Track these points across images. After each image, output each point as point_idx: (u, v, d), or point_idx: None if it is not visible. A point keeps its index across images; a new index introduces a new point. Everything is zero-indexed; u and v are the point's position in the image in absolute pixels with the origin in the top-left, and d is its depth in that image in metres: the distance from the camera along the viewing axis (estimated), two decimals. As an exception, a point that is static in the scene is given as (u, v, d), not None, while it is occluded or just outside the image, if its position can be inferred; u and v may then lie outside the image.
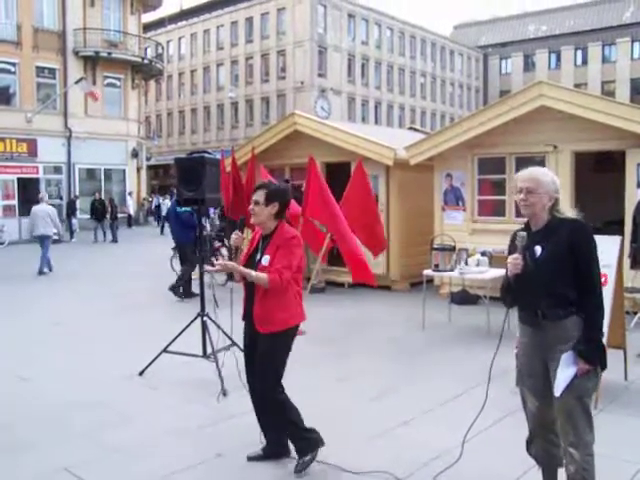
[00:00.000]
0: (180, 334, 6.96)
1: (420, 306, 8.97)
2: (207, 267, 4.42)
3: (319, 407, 5.82)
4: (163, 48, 44.90)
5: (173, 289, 11.59)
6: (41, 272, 15.58)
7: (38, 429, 5.43)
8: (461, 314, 9.67)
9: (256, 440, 4.75)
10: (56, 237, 18.58)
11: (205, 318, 6.95)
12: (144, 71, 36.33)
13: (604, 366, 3.56)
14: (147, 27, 49.33)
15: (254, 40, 55.52)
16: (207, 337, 6.85)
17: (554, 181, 3.58)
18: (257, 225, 4.49)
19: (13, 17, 29.73)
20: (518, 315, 3.85)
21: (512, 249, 3.67)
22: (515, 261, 3.59)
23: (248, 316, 4.47)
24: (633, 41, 61.38)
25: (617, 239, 6.18)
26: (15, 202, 29.23)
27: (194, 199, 6.74)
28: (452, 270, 8.78)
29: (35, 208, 16.12)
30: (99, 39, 32.69)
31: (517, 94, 10.39)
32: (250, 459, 4.68)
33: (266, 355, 4.42)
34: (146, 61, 35.58)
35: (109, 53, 32.73)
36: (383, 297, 11.55)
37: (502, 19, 73.59)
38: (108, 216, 26.87)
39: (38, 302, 11.81)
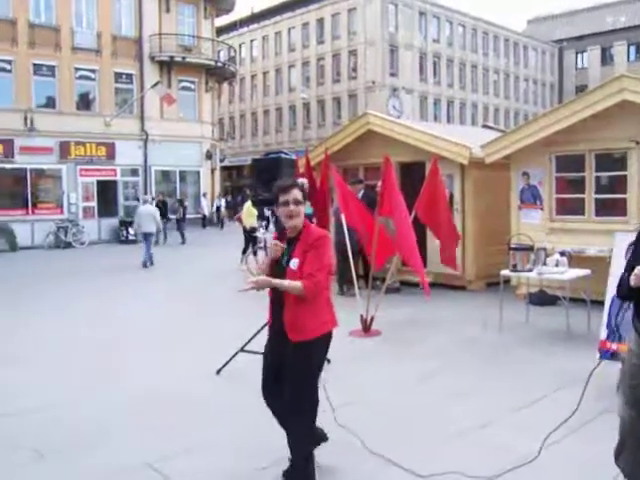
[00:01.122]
0: (258, 333, 7.03)
1: (496, 307, 8.84)
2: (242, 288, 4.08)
3: (396, 406, 5.84)
4: (236, 51, 45.56)
5: None
6: (145, 265, 17.72)
7: (122, 422, 5.59)
8: (539, 315, 9.47)
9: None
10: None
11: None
12: (217, 74, 36.92)
13: None
14: (220, 31, 50.17)
15: (325, 41, 55.74)
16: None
17: None
18: (293, 227, 4.13)
19: (93, 26, 30.66)
20: (632, 318, 3.53)
21: (636, 254, 3.34)
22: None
23: (276, 325, 4.19)
24: None
25: None
26: (94, 204, 30.15)
27: (270, 199, 6.80)
28: (530, 270, 8.61)
29: (140, 208, 18.63)
30: (174, 44, 33.39)
31: (596, 89, 10.10)
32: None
33: (299, 365, 4.12)
34: (219, 64, 36.15)
35: (183, 57, 33.38)
36: (459, 297, 11.42)
37: (578, 11, 71.57)
38: (175, 217, 27.28)
39: (131, 297, 12.15)
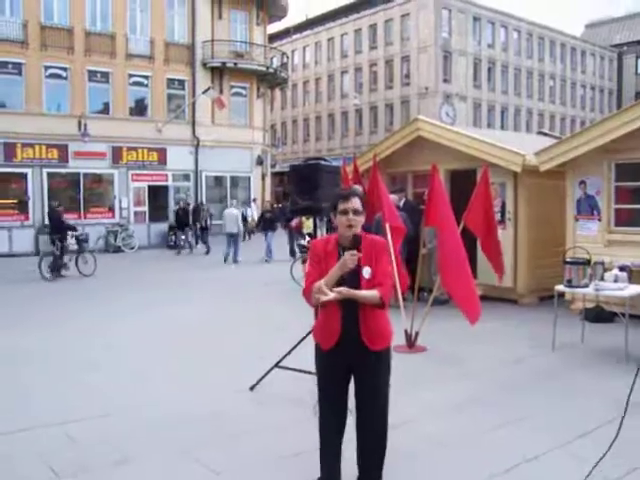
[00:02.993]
0: (294, 348, 6.74)
1: (549, 323, 8.35)
2: (322, 297, 3.85)
3: (435, 434, 5.43)
4: (288, 57, 45.48)
5: None
6: (235, 261, 20.56)
7: (139, 443, 5.32)
8: (596, 334, 8.93)
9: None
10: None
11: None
12: (269, 80, 36.86)
13: None
14: (273, 37, 50.32)
15: (378, 47, 55.44)
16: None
17: None
18: (347, 237, 4.01)
19: (147, 33, 30.91)
20: None
21: None
22: None
23: (347, 337, 4.00)
24: None
25: None
26: (146, 209, 30.33)
27: (309, 208, 6.50)
28: (587, 286, 8.10)
29: (226, 211, 21.86)
30: (226, 50, 33.43)
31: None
32: None
33: (382, 374, 4.12)
34: (271, 70, 36.09)
35: (235, 64, 33.38)
36: (509, 311, 10.93)
37: (637, 15, 69.70)
38: (197, 224, 26.33)
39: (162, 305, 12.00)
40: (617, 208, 10.38)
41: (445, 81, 52.03)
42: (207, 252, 24.54)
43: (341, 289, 3.84)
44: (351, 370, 4.13)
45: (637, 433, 5.25)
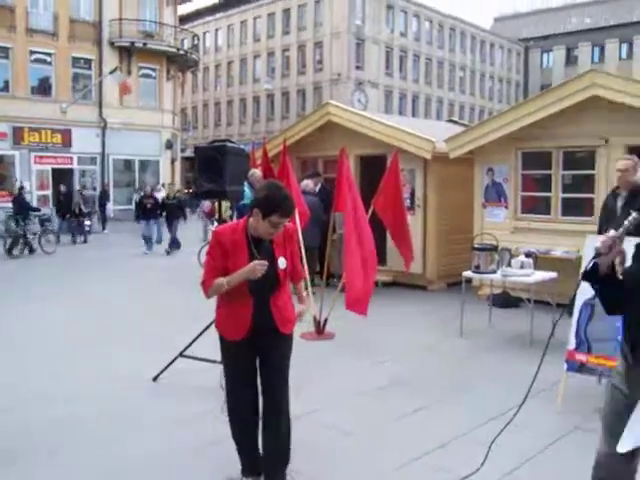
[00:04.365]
0: (198, 337, 6.48)
1: (458, 308, 8.37)
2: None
3: (346, 423, 5.30)
4: (199, 39, 44.70)
5: None
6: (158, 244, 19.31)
7: (33, 440, 4.97)
8: (502, 318, 9.04)
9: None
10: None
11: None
12: (180, 62, 36.09)
13: None
14: (184, 18, 49.31)
15: (291, 32, 55.14)
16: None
17: None
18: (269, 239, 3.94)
19: (50, 8, 29.64)
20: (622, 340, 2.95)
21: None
22: (608, 241, 2.70)
23: (260, 327, 3.92)
24: (682, 34, 59.78)
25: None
26: (49, 192, 29.16)
27: (214, 191, 6.24)
28: (494, 272, 8.16)
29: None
30: (135, 30, 32.51)
31: (567, 83, 9.69)
32: None
33: (287, 358, 4.10)
34: (181, 52, 35.32)
35: (144, 44, 32.52)
36: (418, 298, 10.96)
37: (544, 11, 72.00)
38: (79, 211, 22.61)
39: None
40: (523, 196, 10.53)
41: (358, 68, 52.24)
42: (74, 242, 21.76)
43: (302, 310, 4.20)
44: (259, 355, 4.07)
45: (534, 417, 5.28)
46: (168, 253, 18.51)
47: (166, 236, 19.49)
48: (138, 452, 4.77)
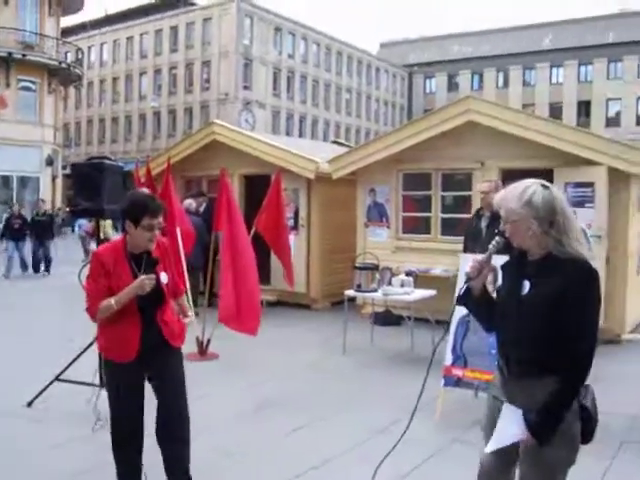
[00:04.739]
0: (75, 359, 6.26)
1: (341, 327, 8.46)
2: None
3: (229, 444, 5.23)
4: (83, 53, 43.52)
5: None
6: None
7: None
8: (384, 336, 9.20)
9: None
10: None
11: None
12: (62, 76, 35.01)
13: (587, 438, 2.83)
14: (67, 31, 47.91)
15: (179, 49, 54.65)
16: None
17: (530, 202, 2.73)
18: (150, 248, 3.89)
19: None
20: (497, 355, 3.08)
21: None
22: (477, 265, 2.90)
23: (150, 345, 3.86)
24: (552, 67, 63.37)
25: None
26: None
27: (91, 210, 6.05)
28: (375, 290, 8.31)
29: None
30: (13, 39, 31.28)
31: (445, 108, 10.09)
32: None
33: (181, 371, 4.10)
34: (64, 65, 34.27)
35: (24, 55, 31.33)
36: (303, 317, 11.01)
37: (428, 39, 74.63)
38: None
39: None
40: (404, 216, 10.81)
41: (245, 88, 52.30)
42: None
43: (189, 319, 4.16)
44: (150, 378, 4.02)
45: (414, 432, 5.38)
46: (45, 273, 17.51)
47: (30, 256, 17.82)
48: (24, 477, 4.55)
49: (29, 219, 17.85)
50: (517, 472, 2.99)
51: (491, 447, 2.90)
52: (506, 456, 2.92)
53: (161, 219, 3.85)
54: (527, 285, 2.82)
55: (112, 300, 3.72)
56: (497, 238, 2.92)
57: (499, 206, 2.87)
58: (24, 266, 17.36)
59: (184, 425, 4.07)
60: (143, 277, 3.73)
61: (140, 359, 3.86)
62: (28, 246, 17.76)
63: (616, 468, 4.85)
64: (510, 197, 2.79)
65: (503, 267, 3.04)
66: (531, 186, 2.76)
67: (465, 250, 7.43)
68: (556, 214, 2.71)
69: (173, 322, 4.03)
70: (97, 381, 6.13)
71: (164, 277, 3.90)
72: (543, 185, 2.79)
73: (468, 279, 2.94)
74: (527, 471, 2.86)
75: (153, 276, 3.77)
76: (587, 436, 2.82)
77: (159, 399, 4.01)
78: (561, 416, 2.71)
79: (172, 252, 4.21)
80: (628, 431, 5.64)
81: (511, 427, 2.80)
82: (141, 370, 3.95)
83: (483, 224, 7.52)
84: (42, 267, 17.61)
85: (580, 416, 2.78)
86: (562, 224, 2.72)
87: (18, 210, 18.21)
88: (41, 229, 17.56)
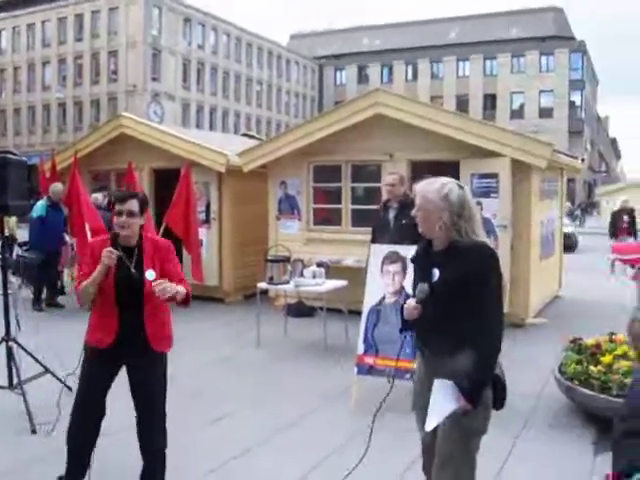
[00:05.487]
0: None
1: (254, 320, 8.49)
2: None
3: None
4: (-19, 41, 41.79)
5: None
6: None
7: None
8: (298, 327, 9.27)
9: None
10: None
11: (11, 343, 6.06)
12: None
13: (499, 404, 3.22)
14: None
15: (84, 38, 53.16)
16: (13, 365, 5.97)
17: (447, 196, 3.16)
18: (125, 237, 3.99)
19: None
20: (415, 340, 3.53)
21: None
22: (412, 311, 3.25)
23: (127, 338, 3.94)
24: (458, 60, 65.00)
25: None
26: None
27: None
28: (287, 282, 8.37)
29: None
30: None
31: (354, 101, 10.24)
32: None
33: (163, 376, 4.11)
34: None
35: None
36: (215, 311, 10.95)
37: (337, 31, 75.29)
38: None
39: None
40: (315, 208, 10.91)
41: (154, 79, 51.42)
42: None
43: (161, 281, 3.79)
44: (128, 369, 4.08)
45: (330, 421, 5.50)
46: None
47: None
48: None
49: None
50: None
51: (431, 424, 3.17)
52: (436, 430, 3.22)
53: (131, 206, 3.94)
54: (437, 272, 3.18)
55: (87, 281, 3.87)
56: (423, 286, 3.21)
57: (417, 194, 3.25)
58: None
59: (161, 436, 4.12)
60: (104, 250, 3.83)
61: (115, 352, 3.96)
62: None
63: (521, 445, 5.10)
64: (429, 189, 3.20)
65: (412, 260, 3.48)
66: (448, 183, 3.21)
67: (373, 241, 7.57)
68: (464, 209, 3.15)
69: (163, 325, 4.07)
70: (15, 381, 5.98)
71: (150, 274, 3.87)
72: (458, 185, 3.24)
73: (406, 321, 3.35)
74: (445, 440, 3.19)
75: (114, 250, 3.84)
76: (499, 402, 3.21)
77: (134, 401, 4.12)
78: (488, 379, 3.11)
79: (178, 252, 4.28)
80: (532, 411, 5.91)
81: (445, 400, 3.09)
82: (113, 361, 4.03)
83: (391, 215, 7.67)
84: None
85: (492, 384, 3.16)
86: (467, 217, 3.16)
87: None
88: None
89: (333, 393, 6.42)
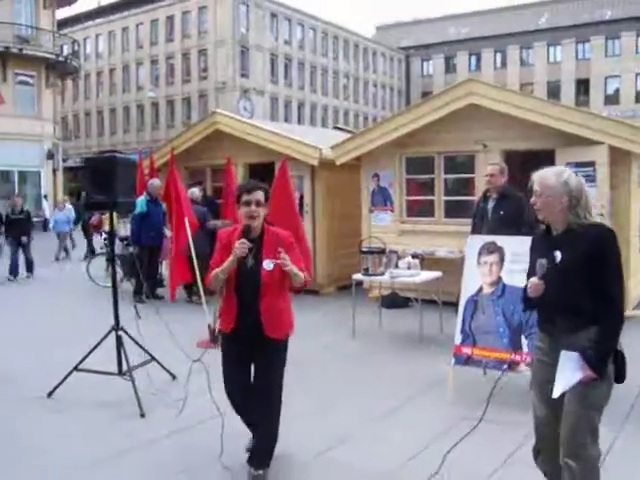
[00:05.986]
0: (93, 350, 6.39)
1: (349, 311, 8.59)
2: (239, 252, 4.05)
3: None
4: (79, 45, 43.46)
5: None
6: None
7: None
8: (392, 318, 9.33)
9: (183, 466, 4.24)
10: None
11: (120, 332, 6.37)
12: (59, 69, 34.96)
13: (621, 378, 3.41)
14: (63, 23, 47.77)
15: (175, 39, 54.52)
16: (123, 353, 6.27)
17: (567, 182, 3.39)
18: (254, 229, 4.18)
19: None
20: (537, 321, 3.70)
21: (533, 256, 3.59)
22: (537, 287, 3.42)
23: (245, 325, 4.21)
24: (549, 45, 63.11)
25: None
26: None
27: (105, 203, 6.16)
28: (382, 274, 8.43)
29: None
30: (9, 34, 31.20)
31: (446, 91, 10.14)
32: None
33: (280, 364, 4.37)
34: (61, 59, 34.21)
35: (20, 49, 31.27)
36: (311, 302, 11.09)
37: (424, 21, 74.39)
38: None
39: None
40: (408, 199, 10.91)
41: (243, 76, 52.22)
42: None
43: (284, 255, 4.00)
44: (251, 355, 4.34)
45: (426, 411, 5.52)
46: (29, 275, 15.16)
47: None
48: (33, 471, 4.68)
49: (3, 217, 15.46)
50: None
51: (557, 391, 3.37)
52: (555, 406, 3.44)
53: (258, 196, 4.16)
54: (559, 254, 3.36)
55: (218, 270, 4.12)
56: (542, 261, 3.40)
57: (536, 182, 3.44)
58: (14, 270, 14.88)
59: (273, 416, 4.36)
60: (236, 242, 4.03)
61: (237, 336, 4.26)
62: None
63: (622, 440, 5.00)
64: (549, 176, 3.43)
65: (532, 245, 3.66)
66: (566, 170, 3.46)
67: (473, 231, 7.58)
68: (582, 193, 3.38)
69: (279, 310, 4.27)
70: (116, 370, 6.29)
71: (267, 264, 4.10)
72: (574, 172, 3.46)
73: (529, 300, 3.56)
74: (574, 409, 3.35)
75: (246, 242, 4.02)
76: (620, 376, 3.40)
77: (254, 381, 4.38)
78: (611, 352, 3.32)
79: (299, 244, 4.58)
80: (635, 405, 5.78)
81: (571, 370, 3.31)
82: (240, 342, 4.29)
83: (490, 205, 7.66)
84: (23, 270, 15.12)
85: (614, 358, 3.35)
86: (584, 201, 3.38)
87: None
88: (18, 229, 15.00)
89: (429, 383, 6.44)
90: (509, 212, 7.41)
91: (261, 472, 4.27)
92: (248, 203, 4.13)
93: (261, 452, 4.35)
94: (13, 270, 14.82)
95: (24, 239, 14.95)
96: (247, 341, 4.26)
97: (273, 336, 4.22)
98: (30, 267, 15.23)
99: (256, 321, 4.17)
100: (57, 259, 18.56)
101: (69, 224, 18.98)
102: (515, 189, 7.62)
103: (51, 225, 19.75)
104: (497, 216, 7.46)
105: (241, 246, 4.01)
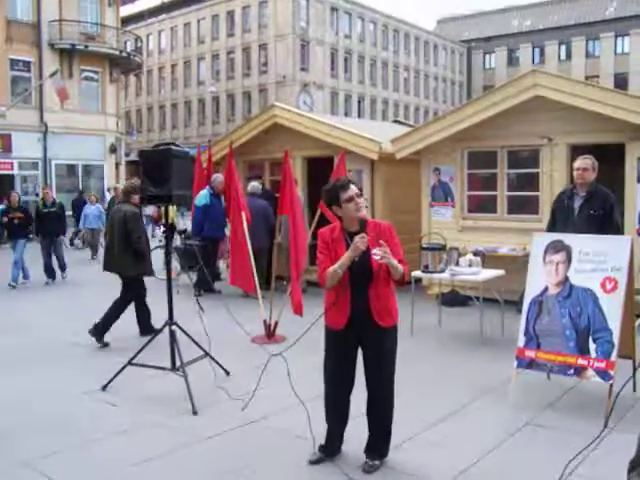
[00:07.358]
0: (147, 344, 6.38)
1: (407, 308, 8.36)
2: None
3: (298, 427, 5.23)
4: (142, 42, 44.08)
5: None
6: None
7: None
8: (452, 317, 9.10)
9: (232, 466, 4.13)
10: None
11: (174, 327, 6.33)
12: (123, 65, 35.50)
13: None
14: (126, 20, 48.63)
15: (235, 34, 54.89)
16: (176, 348, 6.22)
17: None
18: (363, 217, 4.36)
19: (-17, 9, 28.89)
20: None
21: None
22: None
23: (358, 317, 4.29)
24: (616, 36, 61.32)
25: (627, 239, 5.61)
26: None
27: (160, 196, 6.09)
28: (442, 271, 8.20)
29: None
30: (75, 31, 31.81)
31: (510, 83, 9.80)
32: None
33: (391, 351, 4.43)
34: (124, 54, 34.75)
35: (86, 46, 31.85)
36: (368, 298, 10.96)
37: (486, 13, 73.20)
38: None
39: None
40: (470, 195, 10.62)
41: (303, 70, 52.26)
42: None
43: (386, 249, 4.09)
44: (360, 345, 4.45)
45: (487, 414, 5.32)
46: (49, 281, 13.62)
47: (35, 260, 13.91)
48: (85, 466, 4.65)
49: (34, 212, 14.03)
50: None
51: None
52: None
53: (355, 189, 4.29)
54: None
55: (335, 266, 4.19)
56: None
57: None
58: (49, 271, 13.66)
59: (389, 403, 4.49)
60: (356, 237, 4.13)
61: (349, 329, 4.33)
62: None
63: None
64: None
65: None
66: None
67: (552, 226, 7.12)
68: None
69: (386, 301, 4.33)
70: (169, 365, 6.25)
71: (376, 253, 4.14)
72: None
73: None
74: None
75: (365, 235, 4.14)
76: None
77: (365, 376, 4.48)
78: None
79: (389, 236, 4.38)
80: None
81: None
82: (350, 339, 4.39)
83: (576, 204, 6.96)
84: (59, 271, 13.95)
85: None
86: None
87: (17, 201, 13.74)
88: (50, 224, 13.61)
89: (490, 386, 6.21)
90: (599, 212, 6.78)
91: (377, 462, 4.45)
92: (351, 198, 4.24)
93: (379, 442, 4.51)
94: (49, 272, 13.54)
95: (60, 238, 13.95)
96: (357, 333, 4.35)
97: (384, 324, 4.30)
98: (63, 266, 13.99)
99: (368, 311, 4.28)
100: (93, 258, 17.93)
101: (100, 219, 18.01)
102: (605, 187, 6.97)
103: (81, 223, 19.00)
104: (585, 215, 6.87)
105: (362, 240, 4.10)
